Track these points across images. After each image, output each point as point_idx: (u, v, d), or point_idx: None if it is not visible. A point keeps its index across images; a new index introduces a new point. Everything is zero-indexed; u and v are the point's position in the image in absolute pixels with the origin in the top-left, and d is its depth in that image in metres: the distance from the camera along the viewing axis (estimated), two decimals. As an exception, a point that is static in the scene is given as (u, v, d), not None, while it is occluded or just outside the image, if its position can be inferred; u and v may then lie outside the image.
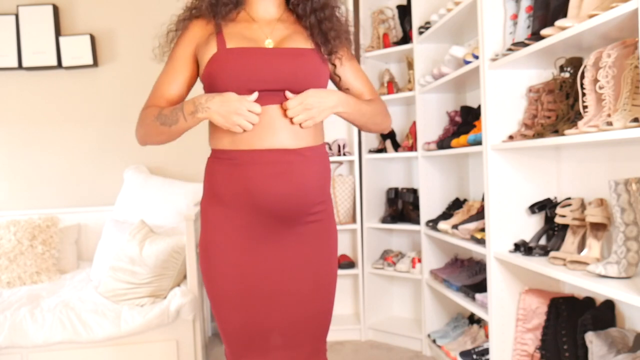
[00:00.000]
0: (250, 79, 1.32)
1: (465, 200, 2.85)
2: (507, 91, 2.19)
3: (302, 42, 1.40)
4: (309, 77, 1.37)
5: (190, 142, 3.46)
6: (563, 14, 1.81)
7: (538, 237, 2.12)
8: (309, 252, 1.42)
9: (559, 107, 1.94)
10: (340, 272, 3.19)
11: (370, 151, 3.28)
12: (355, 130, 3.25)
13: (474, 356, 2.42)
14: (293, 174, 1.35)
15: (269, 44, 1.37)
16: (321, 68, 1.41)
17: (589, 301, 1.98)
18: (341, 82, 1.54)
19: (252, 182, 1.33)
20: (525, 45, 1.92)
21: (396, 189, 3.27)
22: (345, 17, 1.49)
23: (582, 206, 1.94)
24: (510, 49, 2.01)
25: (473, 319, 2.77)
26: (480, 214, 2.47)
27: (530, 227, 2.20)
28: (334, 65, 1.48)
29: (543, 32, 1.79)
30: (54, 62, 3.30)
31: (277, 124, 1.34)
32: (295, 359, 1.42)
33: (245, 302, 1.37)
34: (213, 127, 1.40)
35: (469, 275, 2.67)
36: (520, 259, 2.00)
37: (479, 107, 2.37)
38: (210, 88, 1.37)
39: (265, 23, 1.41)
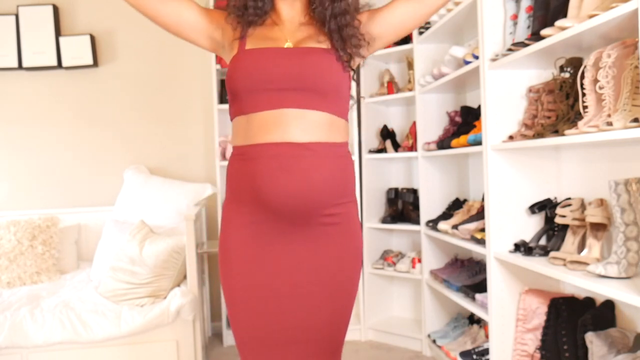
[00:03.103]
0: (260, 79, 1.32)
1: (465, 201, 2.85)
2: (507, 91, 2.19)
3: (318, 42, 1.38)
4: (318, 74, 1.34)
5: (191, 142, 3.47)
6: (563, 14, 1.81)
7: (538, 237, 2.12)
8: (324, 256, 1.35)
9: (559, 107, 1.94)
10: (340, 272, 3.20)
11: (370, 151, 3.29)
12: (355, 130, 3.25)
13: (474, 356, 2.42)
14: (298, 170, 1.30)
15: (287, 43, 1.37)
16: (333, 66, 1.36)
17: (589, 301, 1.98)
18: (381, 39, 1.45)
19: (258, 177, 1.31)
20: (525, 45, 1.92)
21: (396, 189, 3.27)
22: None
23: (582, 206, 1.94)
24: (510, 49, 2.01)
25: (473, 319, 2.77)
26: (480, 214, 2.47)
27: (530, 227, 2.20)
28: (352, 68, 1.42)
29: (543, 32, 1.79)
30: (54, 62, 3.30)
31: (288, 119, 1.31)
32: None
33: (256, 301, 1.33)
34: (234, 125, 1.41)
35: (469, 276, 2.67)
36: (520, 259, 2.00)
37: (479, 107, 2.37)
38: (229, 88, 1.38)
39: (289, 26, 1.41)
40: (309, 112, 1.32)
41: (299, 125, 1.31)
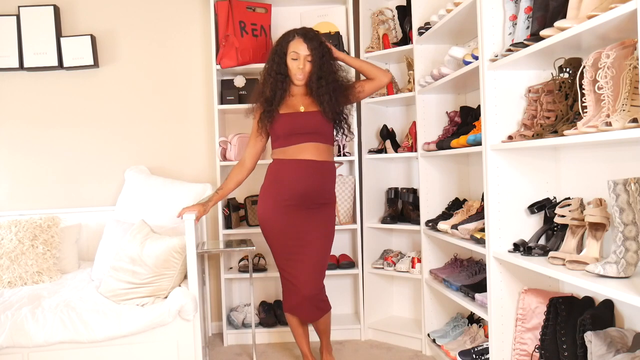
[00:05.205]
0: (291, 129, 2.47)
1: (464, 200, 2.85)
2: (506, 92, 2.20)
3: (316, 107, 2.51)
4: (318, 126, 2.49)
5: (191, 142, 3.48)
6: (562, 14, 1.81)
7: (537, 237, 2.13)
8: (320, 219, 2.53)
9: (558, 107, 1.94)
10: (340, 272, 3.23)
11: (370, 151, 3.29)
12: (355, 131, 3.25)
13: (474, 356, 2.43)
14: (313, 175, 2.48)
15: (301, 108, 2.51)
16: (325, 122, 2.51)
17: (588, 301, 1.99)
18: (359, 96, 2.64)
19: (290, 177, 2.47)
20: (525, 45, 1.92)
21: (396, 189, 3.27)
22: (347, 79, 2.61)
23: (581, 206, 1.95)
24: (509, 50, 2.01)
25: (472, 319, 2.78)
26: (479, 214, 2.48)
27: (529, 227, 2.21)
28: (342, 118, 2.59)
29: (542, 32, 1.79)
30: (55, 63, 3.31)
31: (306, 148, 2.47)
32: (306, 264, 2.49)
33: (284, 239, 2.50)
34: (274, 148, 2.55)
35: (469, 275, 2.68)
36: (519, 259, 2.01)
37: (479, 107, 2.37)
38: (275, 133, 2.52)
39: (299, 97, 2.56)
40: (315, 144, 2.49)
41: (311, 151, 2.48)
